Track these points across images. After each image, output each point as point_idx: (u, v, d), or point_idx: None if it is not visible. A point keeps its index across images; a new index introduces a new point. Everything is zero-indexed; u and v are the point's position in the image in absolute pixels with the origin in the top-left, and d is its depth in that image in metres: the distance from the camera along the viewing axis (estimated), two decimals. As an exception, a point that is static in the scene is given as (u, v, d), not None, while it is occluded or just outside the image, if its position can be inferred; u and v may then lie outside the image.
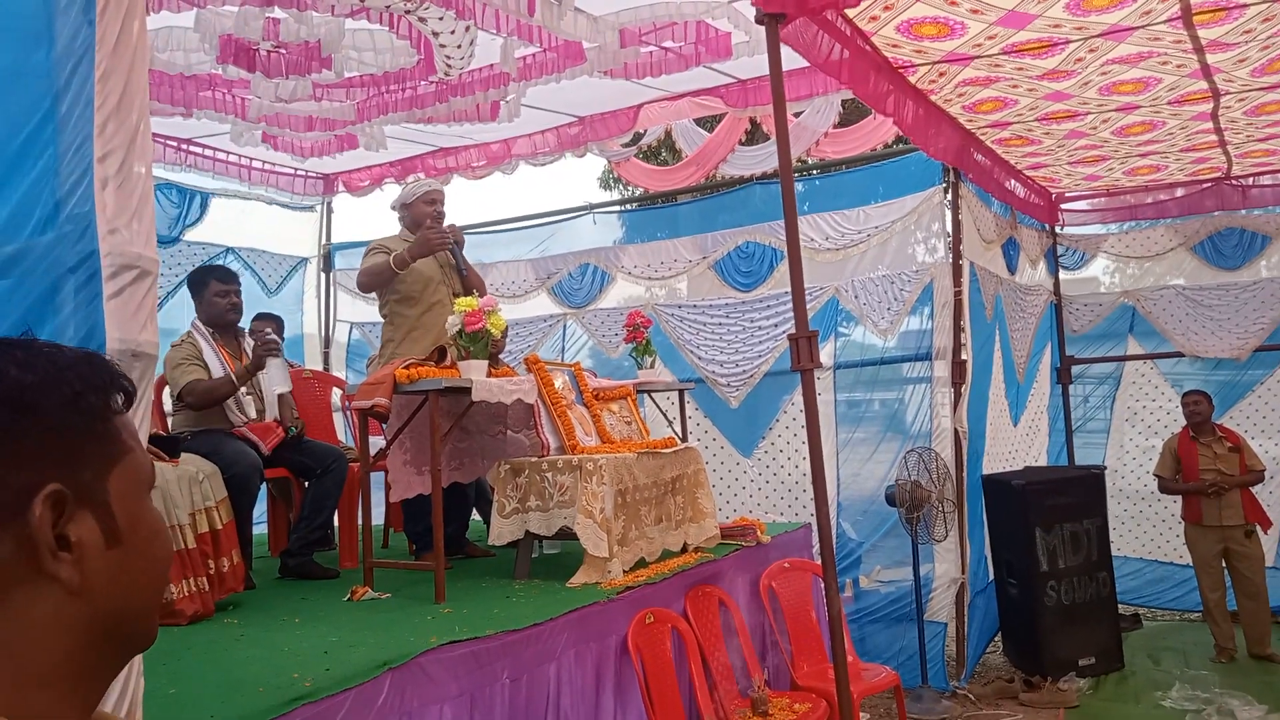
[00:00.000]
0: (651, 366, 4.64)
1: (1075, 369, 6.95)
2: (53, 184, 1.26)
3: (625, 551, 3.53)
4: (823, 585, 4.51)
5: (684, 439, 4.66)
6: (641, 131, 6.16)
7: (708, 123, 6.27)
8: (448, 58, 4.53)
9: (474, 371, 3.35)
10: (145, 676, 2.43)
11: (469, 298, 3.46)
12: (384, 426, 3.66)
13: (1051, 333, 6.89)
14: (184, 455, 3.44)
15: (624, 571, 3.46)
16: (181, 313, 6.68)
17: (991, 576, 5.85)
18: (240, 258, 7.03)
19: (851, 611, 5.38)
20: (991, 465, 5.87)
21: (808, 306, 3.84)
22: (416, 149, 6.72)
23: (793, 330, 3.14)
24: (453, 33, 4.37)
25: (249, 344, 4.14)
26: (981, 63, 3.94)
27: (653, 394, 4.88)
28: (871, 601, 5.62)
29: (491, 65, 4.92)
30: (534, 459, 3.63)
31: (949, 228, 5.48)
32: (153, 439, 3.34)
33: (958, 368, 5.31)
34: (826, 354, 5.62)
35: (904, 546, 5.35)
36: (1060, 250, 6.98)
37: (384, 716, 2.24)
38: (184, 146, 6.41)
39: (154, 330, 1.37)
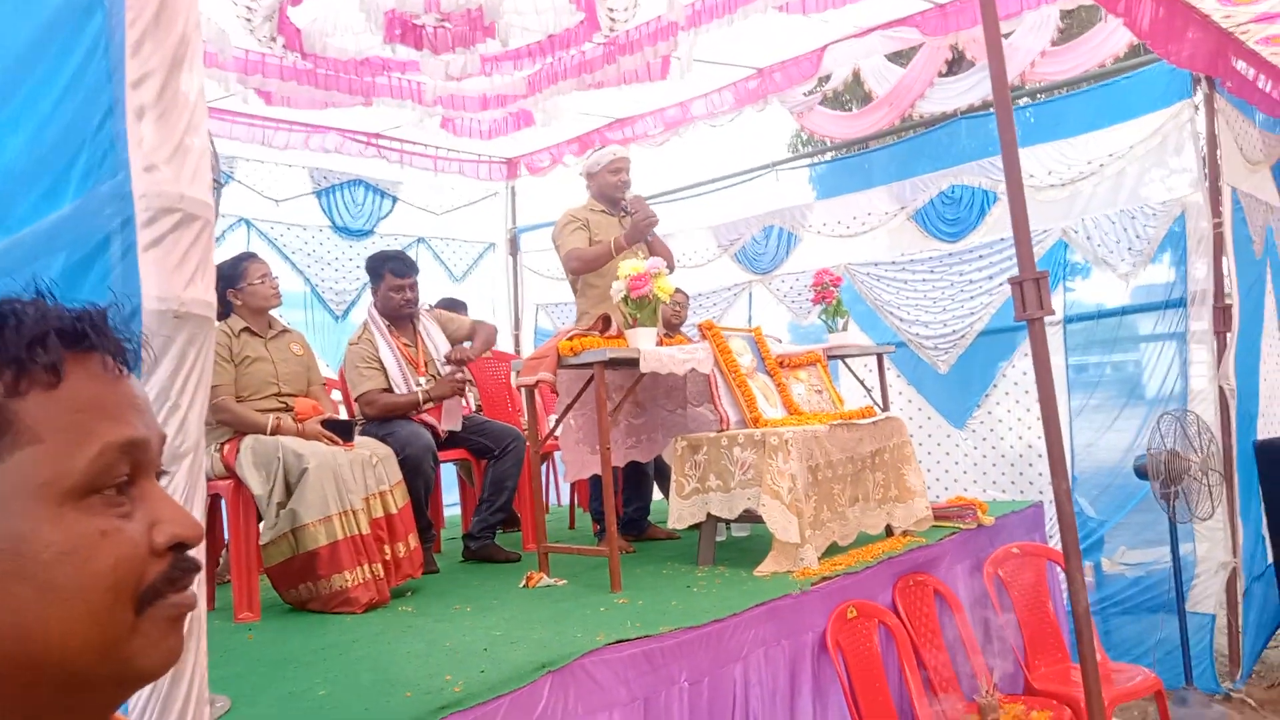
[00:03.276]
0: (844, 329, 4.17)
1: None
2: (74, 115, 1.07)
3: (818, 536, 3.12)
4: (1061, 573, 3.92)
5: (884, 409, 4.17)
6: (826, 76, 5.62)
7: (900, 59, 5.64)
8: (610, 11, 4.26)
9: (642, 340, 3.06)
10: (308, 670, 2.36)
11: (635, 262, 3.16)
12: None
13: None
14: (359, 439, 3.38)
15: (818, 559, 3.06)
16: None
17: (1271, 559, 4.92)
18: (430, 247, 7.18)
19: (1093, 601, 4.67)
20: (1269, 429, 4.93)
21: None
22: (594, 122, 6.54)
23: (1014, 275, 2.62)
24: (613, -18, 4.10)
25: (425, 327, 4.06)
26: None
27: (847, 360, 4.40)
28: (1117, 589, 4.89)
29: (659, 17, 4.61)
30: (713, 434, 3.29)
31: (1202, 150, 4.59)
32: (327, 423, 3.30)
33: (1221, 314, 4.45)
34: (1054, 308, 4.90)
35: (1154, 525, 4.59)
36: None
37: (544, 725, 1.99)
38: (372, 141, 6.57)
39: (206, 286, 1.15)
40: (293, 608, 3.11)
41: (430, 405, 3.90)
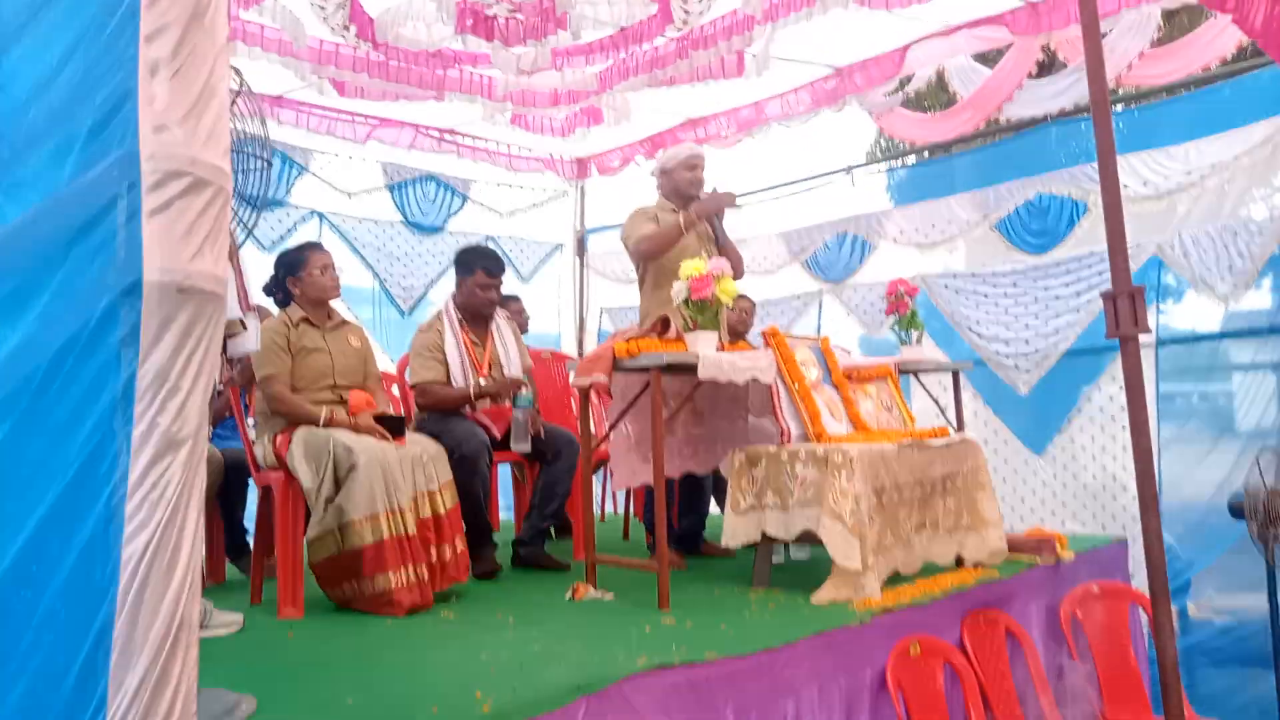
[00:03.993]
0: (918, 342, 3.95)
1: None
2: (88, 68, 0.97)
3: (880, 562, 2.92)
4: (1145, 617, 3.64)
5: (959, 430, 3.94)
6: (908, 77, 5.40)
7: (987, 61, 5.38)
8: (685, 3, 4.13)
9: (702, 345, 2.91)
10: (340, 674, 2.26)
11: (697, 261, 3.01)
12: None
13: None
14: (411, 435, 3.30)
15: (880, 588, 2.86)
16: (447, 296, 6.92)
17: (1382, 613, 4.52)
18: (498, 245, 7.14)
19: (1178, 649, 4.35)
20: (1383, 471, 4.52)
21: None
22: (665, 121, 6.43)
23: (1107, 288, 2.41)
24: (689, -26, 3.97)
25: (499, 328, 3.98)
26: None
27: (920, 375, 4.18)
28: (1204, 637, 4.55)
29: (734, 11, 4.47)
30: (772, 448, 3.12)
31: (1317, 164, 4.25)
32: (380, 418, 3.22)
33: (1334, 343, 4.10)
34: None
35: (1249, 569, 4.24)
36: None
37: (577, 754, 1.86)
38: (446, 136, 6.56)
39: (217, 259, 1.04)
40: (336, 606, 3.04)
41: (485, 405, 3.82)
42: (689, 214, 3.72)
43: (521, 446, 3.66)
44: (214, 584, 3.81)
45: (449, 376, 3.76)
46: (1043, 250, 4.95)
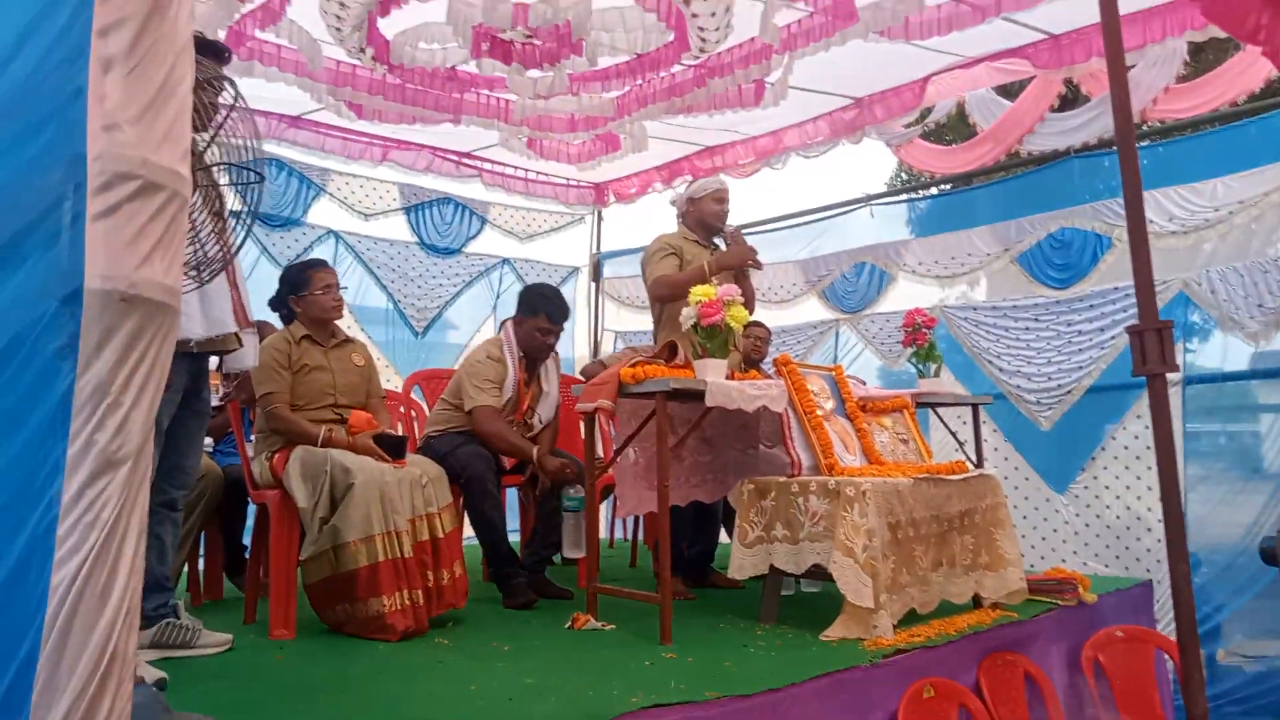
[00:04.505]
0: (936, 375, 3.84)
1: None
2: (37, 62, 0.92)
3: (895, 601, 2.81)
4: (1172, 663, 3.49)
5: (978, 465, 3.82)
6: (928, 109, 5.34)
7: (1008, 92, 5.31)
8: (701, 30, 4.09)
9: (710, 372, 2.82)
10: (324, 702, 2.17)
11: (705, 286, 2.94)
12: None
13: None
14: (411, 457, 3.23)
15: (893, 627, 2.75)
16: (462, 318, 6.89)
17: None
18: (514, 268, 7.12)
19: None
20: None
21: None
22: (682, 150, 6.40)
23: (1133, 323, 2.31)
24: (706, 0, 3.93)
25: (547, 373, 3.86)
26: None
27: (938, 408, 4.07)
28: (1233, 684, 4.39)
29: (752, 39, 4.43)
30: (782, 479, 3.02)
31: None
32: (379, 438, 3.16)
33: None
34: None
35: (1280, 614, 4.10)
36: None
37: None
38: (464, 161, 6.56)
39: (167, 268, 0.98)
40: (329, 629, 2.96)
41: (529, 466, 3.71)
42: (713, 260, 3.63)
43: (575, 553, 3.42)
44: (211, 600, 3.75)
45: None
46: (1065, 285, 4.85)
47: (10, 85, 0.94)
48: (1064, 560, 4.73)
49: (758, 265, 3.73)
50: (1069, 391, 4.83)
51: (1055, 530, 4.91)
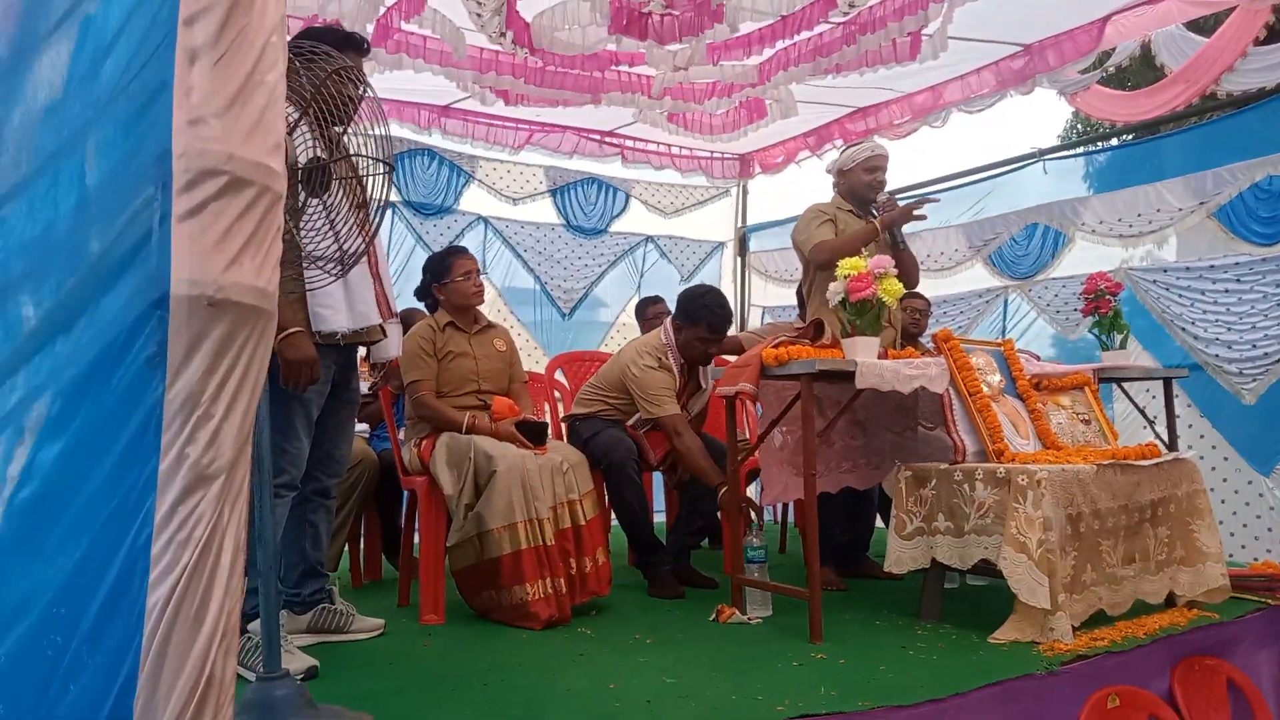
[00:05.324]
0: (1121, 347, 3.46)
1: None
2: (125, 60, 0.88)
3: (1077, 601, 2.54)
4: None
5: (1172, 447, 3.43)
6: (1108, 51, 4.82)
7: (1200, 28, 4.71)
8: (849, -17, 3.83)
9: (860, 351, 2.63)
10: (465, 694, 2.15)
11: (856, 259, 2.73)
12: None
13: None
14: (552, 443, 3.21)
15: (1074, 630, 2.48)
16: (609, 296, 6.89)
17: None
18: (658, 246, 7.06)
19: None
20: None
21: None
22: (831, 113, 6.09)
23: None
24: (853, -51, 3.67)
25: (704, 382, 3.74)
26: None
27: (1125, 385, 3.67)
28: None
29: (906, -13, 4.11)
30: (944, 465, 2.79)
31: None
32: (521, 424, 3.15)
33: None
34: None
35: None
36: None
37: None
38: (606, 139, 6.52)
39: (259, 268, 0.92)
40: (476, 615, 2.99)
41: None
42: (880, 219, 3.43)
43: (761, 613, 2.97)
44: (371, 580, 3.88)
45: None
46: (1273, 240, 4.27)
47: (106, 81, 0.91)
48: (1269, 551, 4.21)
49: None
50: (1277, 360, 4.28)
51: (1259, 517, 4.37)
